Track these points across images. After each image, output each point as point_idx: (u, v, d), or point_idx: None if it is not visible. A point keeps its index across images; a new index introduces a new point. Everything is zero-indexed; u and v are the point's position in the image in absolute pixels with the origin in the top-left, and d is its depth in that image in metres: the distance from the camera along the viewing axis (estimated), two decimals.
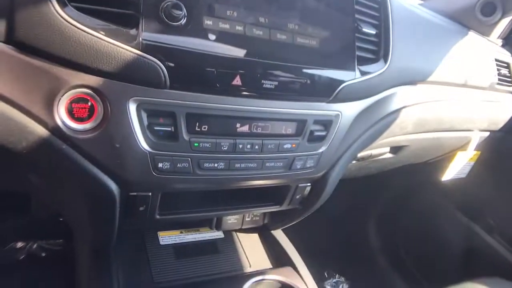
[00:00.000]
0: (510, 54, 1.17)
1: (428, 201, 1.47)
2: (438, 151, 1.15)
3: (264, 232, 0.87)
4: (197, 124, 0.54)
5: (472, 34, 1.12)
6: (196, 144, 0.54)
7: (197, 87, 0.51)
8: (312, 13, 0.58)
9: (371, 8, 0.68)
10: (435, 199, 1.44)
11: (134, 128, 0.50)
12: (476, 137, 1.14)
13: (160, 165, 0.53)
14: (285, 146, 0.61)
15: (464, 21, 1.19)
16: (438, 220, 1.43)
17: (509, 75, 1.13)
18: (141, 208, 0.59)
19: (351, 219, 1.57)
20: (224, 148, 0.56)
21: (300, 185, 0.70)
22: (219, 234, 0.84)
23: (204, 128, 0.54)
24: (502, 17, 1.16)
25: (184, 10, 0.47)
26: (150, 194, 0.57)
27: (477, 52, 1.07)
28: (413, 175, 1.43)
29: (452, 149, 1.18)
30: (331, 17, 0.61)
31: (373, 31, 0.67)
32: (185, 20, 0.47)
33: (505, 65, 1.12)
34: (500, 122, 1.16)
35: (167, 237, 0.80)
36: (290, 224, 0.84)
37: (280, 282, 0.77)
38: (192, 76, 0.50)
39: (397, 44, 0.72)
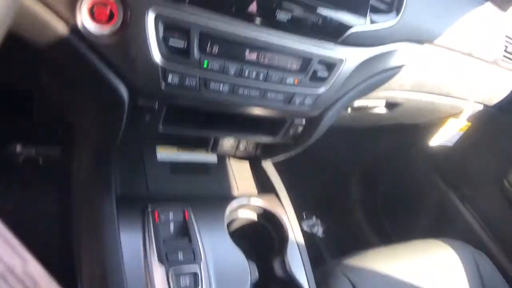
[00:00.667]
0: None
1: (412, 164, 1.53)
2: (431, 115, 1.19)
3: (254, 163, 0.93)
4: (208, 44, 0.56)
5: (489, 5, 1.12)
6: (205, 63, 0.57)
7: (214, 6, 0.54)
8: None
9: None
10: (419, 163, 1.50)
11: (149, 38, 0.53)
12: (470, 108, 1.18)
13: (169, 78, 0.57)
14: (288, 80, 0.65)
15: None
16: (417, 183, 1.50)
17: None
18: (146, 118, 0.63)
19: (336, 170, 1.64)
20: (231, 72, 0.59)
21: (295, 121, 0.74)
22: (213, 159, 0.90)
23: (215, 49, 0.57)
24: None
25: None
26: (156, 105, 0.61)
27: (489, 24, 1.07)
28: (402, 137, 1.48)
29: (445, 115, 1.23)
30: None
31: None
32: None
33: None
34: (495, 98, 1.19)
35: (165, 154, 0.85)
36: (280, 159, 0.89)
37: (262, 208, 0.83)
38: None
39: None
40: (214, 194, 0.83)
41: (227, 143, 0.83)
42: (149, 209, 0.71)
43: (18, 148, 1.43)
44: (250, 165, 0.93)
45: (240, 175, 0.90)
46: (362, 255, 0.92)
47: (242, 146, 0.86)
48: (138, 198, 0.74)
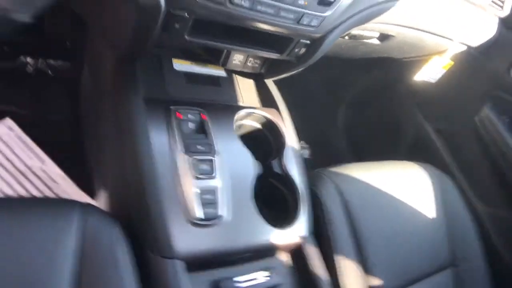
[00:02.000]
0: None
1: (396, 99, 1.68)
2: (418, 50, 1.31)
3: (258, 80, 1.04)
4: None
5: None
6: None
7: None
8: None
9: None
10: (402, 97, 1.65)
11: None
12: (454, 47, 1.30)
13: None
14: (299, 2, 0.75)
15: None
16: (399, 115, 1.66)
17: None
18: (176, 26, 0.72)
19: (325, 100, 1.78)
20: None
21: (301, 40, 0.85)
22: (222, 73, 1.01)
23: None
24: None
25: None
26: (186, 14, 0.71)
27: None
28: (390, 73, 1.61)
29: (431, 53, 1.34)
30: None
31: None
32: None
33: None
34: (477, 40, 1.31)
35: (180, 65, 0.95)
36: (281, 76, 1.01)
37: (265, 117, 0.96)
38: None
39: None
40: (224, 103, 0.95)
41: (237, 58, 0.94)
42: (172, 109, 0.83)
43: (29, 59, 1.50)
44: (254, 82, 1.05)
45: (246, 89, 1.02)
46: (345, 166, 1.08)
47: (249, 63, 0.97)
48: (159, 100, 0.86)
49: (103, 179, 1.02)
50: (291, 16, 0.77)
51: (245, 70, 0.98)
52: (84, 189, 1.05)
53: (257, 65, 0.99)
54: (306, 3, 0.76)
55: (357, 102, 1.77)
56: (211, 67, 1.00)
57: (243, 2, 0.70)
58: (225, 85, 0.99)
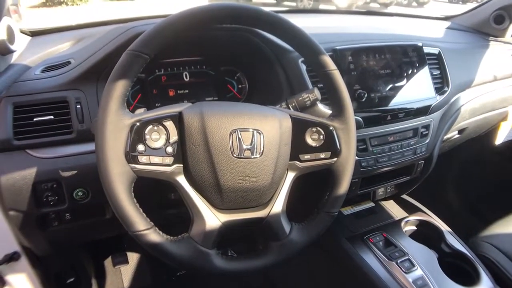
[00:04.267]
0: None
1: (484, 159, 2.02)
2: (488, 125, 1.71)
3: (397, 198, 1.46)
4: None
5: (491, 42, 1.69)
6: (374, 151, 1.14)
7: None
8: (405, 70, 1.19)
9: (434, 59, 1.28)
10: (488, 156, 2.00)
11: None
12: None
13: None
14: (411, 143, 1.21)
15: (483, 29, 1.77)
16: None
17: None
18: None
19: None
20: (386, 150, 1.16)
21: (419, 162, 1.29)
22: (371, 205, 1.43)
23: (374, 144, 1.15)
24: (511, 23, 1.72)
25: None
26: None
27: (497, 53, 1.63)
28: (473, 144, 1.99)
29: (496, 122, 1.74)
30: (415, 69, 1.21)
31: (438, 72, 1.28)
32: None
33: None
34: None
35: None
36: (410, 190, 1.42)
37: (419, 220, 1.34)
38: None
39: (451, 73, 1.31)
40: (383, 222, 1.35)
41: (380, 190, 1.38)
42: None
43: None
44: (394, 201, 1.46)
45: (394, 208, 1.42)
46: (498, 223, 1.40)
47: (388, 189, 1.40)
48: None
49: None
50: (410, 152, 1.22)
51: (387, 196, 1.41)
52: None
53: (393, 189, 1.41)
54: (414, 141, 1.22)
55: (458, 176, 2.12)
56: (363, 203, 1.43)
57: (372, 163, 1.16)
58: (380, 211, 1.40)
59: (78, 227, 0.98)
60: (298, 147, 0.81)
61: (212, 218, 0.73)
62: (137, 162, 0.68)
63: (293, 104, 0.92)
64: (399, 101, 1.18)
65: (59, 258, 1.24)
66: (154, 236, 0.70)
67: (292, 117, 0.80)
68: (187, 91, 1.15)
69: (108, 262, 1.54)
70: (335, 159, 0.83)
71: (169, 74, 1.14)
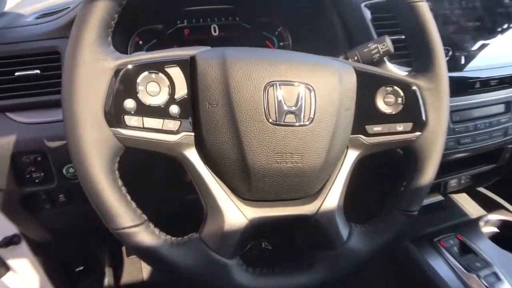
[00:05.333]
0: None
1: None
2: None
3: (471, 191, 1.18)
4: None
5: None
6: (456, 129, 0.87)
7: None
8: None
9: None
10: None
11: None
12: None
13: None
14: (502, 120, 0.92)
15: None
16: None
17: None
18: None
19: None
20: (470, 128, 0.88)
21: (509, 146, 1.00)
22: (440, 198, 1.16)
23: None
24: None
25: None
26: None
27: None
28: None
29: None
30: None
31: None
32: None
33: None
34: None
35: None
36: (488, 184, 1.13)
37: (502, 221, 1.06)
38: None
39: None
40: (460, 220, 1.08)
41: (453, 181, 1.10)
42: None
43: None
44: (467, 194, 1.18)
45: (469, 202, 1.15)
46: None
47: (463, 180, 1.12)
48: None
49: None
50: (500, 132, 0.93)
51: (461, 187, 1.13)
52: None
53: (468, 180, 1.13)
54: (506, 119, 0.93)
55: None
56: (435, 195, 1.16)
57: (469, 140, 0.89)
58: (452, 205, 1.13)
59: (76, 212, 0.79)
60: (364, 114, 0.57)
61: (235, 213, 0.51)
62: (124, 126, 0.46)
63: (355, 58, 0.67)
64: (490, 64, 0.90)
65: (64, 245, 1.07)
66: (145, 236, 0.48)
67: (358, 71, 0.55)
68: None
69: (124, 250, 1.36)
70: (419, 133, 0.58)
71: (194, 27, 0.92)
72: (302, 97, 0.49)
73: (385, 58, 0.72)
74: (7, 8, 0.86)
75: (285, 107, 0.49)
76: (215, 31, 0.93)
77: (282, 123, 0.49)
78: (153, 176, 0.75)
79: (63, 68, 0.47)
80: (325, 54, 0.60)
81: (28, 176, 0.71)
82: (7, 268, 0.96)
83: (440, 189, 1.11)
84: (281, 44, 0.97)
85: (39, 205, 0.78)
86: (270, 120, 0.49)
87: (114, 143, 0.46)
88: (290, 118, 0.49)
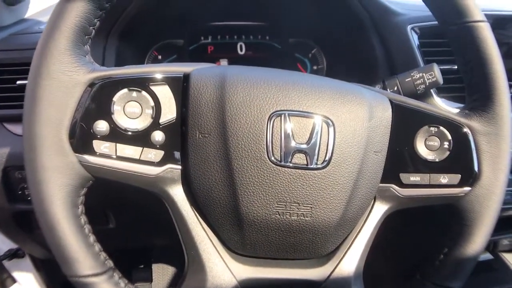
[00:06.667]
0: None
1: None
2: None
3: None
4: None
5: None
6: None
7: None
8: None
9: None
10: None
11: None
12: None
13: None
14: None
15: None
16: None
17: None
18: None
19: None
20: None
21: None
22: (488, 257, 0.99)
23: None
24: None
25: None
26: None
27: None
28: None
29: None
30: None
31: None
32: None
33: None
34: None
35: None
36: None
37: None
38: None
39: None
40: None
41: (506, 241, 0.93)
42: None
43: None
44: None
45: None
46: None
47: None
48: None
49: None
50: None
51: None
52: None
53: None
54: None
55: None
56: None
57: None
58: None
59: None
60: (400, 159, 0.45)
61: (221, 271, 0.41)
62: (92, 152, 0.38)
63: (394, 89, 0.56)
64: None
65: None
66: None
67: (395, 104, 0.44)
68: None
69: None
70: (468, 188, 0.46)
71: (218, 44, 0.85)
72: (317, 133, 0.39)
73: (431, 91, 0.60)
74: (28, 14, 0.83)
75: (294, 144, 0.38)
76: (241, 50, 0.85)
77: (288, 164, 0.39)
78: (127, 214, 0.67)
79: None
80: (362, 81, 0.50)
81: (20, 192, 0.65)
82: (13, 280, 0.94)
83: (490, 247, 0.95)
84: (315, 67, 0.88)
85: (34, 223, 0.72)
86: (273, 159, 0.38)
87: (79, 172, 0.38)
88: (299, 159, 0.39)
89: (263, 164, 0.38)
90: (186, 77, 0.40)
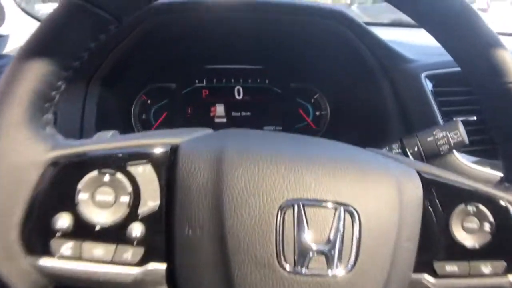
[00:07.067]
0: None
1: None
2: None
3: None
4: None
5: None
6: None
7: None
8: None
9: None
10: None
11: None
12: None
13: None
14: None
15: None
16: None
17: None
18: None
19: None
20: None
21: None
22: None
23: None
24: None
25: None
26: None
27: None
28: None
29: None
30: None
31: None
32: None
33: None
34: None
35: None
36: None
37: None
38: None
39: None
40: None
41: None
42: None
43: None
44: None
45: None
46: None
47: None
48: None
49: None
50: None
51: None
52: None
53: None
54: None
55: None
56: None
57: None
58: None
59: None
60: (433, 245, 0.37)
61: None
62: (50, 254, 0.30)
63: (415, 149, 0.49)
64: None
65: None
66: None
67: (426, 179, 0.37)
68: (238, 114, 0.79)
69: None
70: None
71: (214, 88, 0.79)
72: (338, 229, 0.31)
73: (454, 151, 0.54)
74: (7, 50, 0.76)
75: (312, 245, 0.31)
76: (239, 94, 0.79)
77: (304, 271, 0.30)
78: None
79: None
80: (371, 134, 0.42)
81: None
82: None
83: None
84: (317, 113, 0.81)
85: None
86: (285, 266, 0.30)
87: (33, 279, 0.30)
88: (317, 263, 0.30)
89: (272, 272, 0.30)
90: (174, 150, 0.33)
